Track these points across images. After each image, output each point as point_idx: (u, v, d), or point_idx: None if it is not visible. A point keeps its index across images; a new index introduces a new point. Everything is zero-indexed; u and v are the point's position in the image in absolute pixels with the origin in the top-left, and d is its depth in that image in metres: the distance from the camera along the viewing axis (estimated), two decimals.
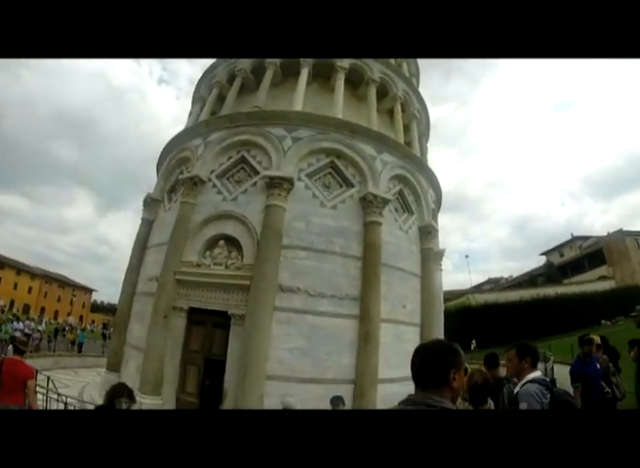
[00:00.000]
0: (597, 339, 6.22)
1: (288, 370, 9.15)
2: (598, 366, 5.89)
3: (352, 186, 10.90)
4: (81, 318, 61.00)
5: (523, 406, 3.28)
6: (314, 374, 9.17)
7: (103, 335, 32.57)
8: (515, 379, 3.72)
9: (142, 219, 13.16)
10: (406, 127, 13.83)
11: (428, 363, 1.79)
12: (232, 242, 10.39)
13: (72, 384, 13.06)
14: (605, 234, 60.46)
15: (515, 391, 3.48)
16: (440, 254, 14.46)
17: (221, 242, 10.44)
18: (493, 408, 4.00)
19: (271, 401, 8.42)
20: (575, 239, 67.24)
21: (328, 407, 6.84)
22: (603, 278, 51.34)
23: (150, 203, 13.03)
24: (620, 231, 58.15)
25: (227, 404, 8.94)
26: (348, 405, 8.38)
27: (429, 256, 12.65)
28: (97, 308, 75.99)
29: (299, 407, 6.88)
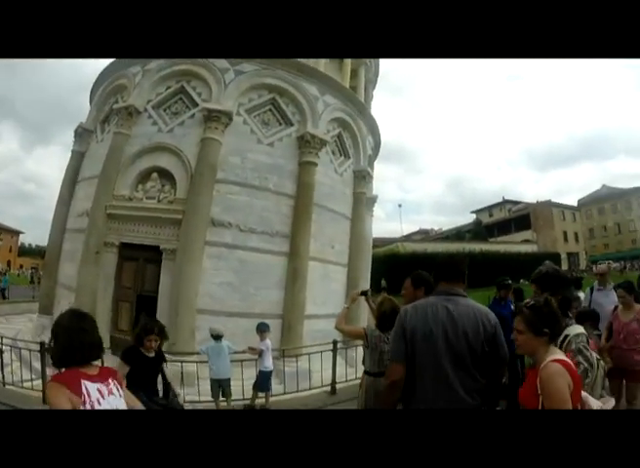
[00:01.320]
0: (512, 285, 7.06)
1: (218, 305, 9.40)
2: (513, 307, 6.56)
3: (291, 125, 10.96)
4: (9, 263, 57.50)
5: (393, 330, 3.15)
6: (243, 309, 9.50)
7: (32, 279, 31.26)
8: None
9: (73, 151, 12.62)
10: (354, 72, 13.93)
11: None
12: (166, 175, 10.25)
13: (4, 331, 12.42)
14: (534, 202, 65.54)
15: None
16: (372, 200, 15.09)
17: (155, 175, 10.30)
18: None
19: (202, 335, 8.53)
20: (505, 202, 72.13)
21: (256, 339, 7.28)
22: (526, 241, 56.24)
23: (82, 134, 12.47)
24: (549, 202, 63.63)
25: None
26: (276, 339, 8.96)
27: (361, 201, 13.11)
28: (25, 251, 72.15)
29: (227, 340, 7.21)
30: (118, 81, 11.73)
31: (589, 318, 4.96)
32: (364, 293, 5.02)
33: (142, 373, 4.45)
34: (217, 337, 7.05)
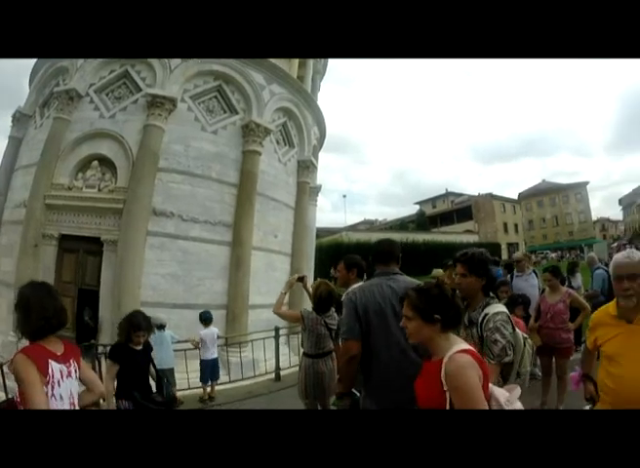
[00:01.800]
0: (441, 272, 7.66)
1: (161, 296, 9.39)
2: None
3: (236, 113, 11.10)
4: None
5: (344, 311, 3.58)
6: (187, 300, 9.54)
7: None
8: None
9: (10, 138, 12.05)
10: (302, 62, 14.20)
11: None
12: (107, 163, 10.10)
13: None
14: (476, 194, 68.40)
15: (342, 298, 3.76)
16: (316, 190, 15.53)
17: (95, 163, 10.13)
18: (337, 318, 4.51)
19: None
20: (448, 194, 75.11)
21: (201, 328, 7.49)
22: (468, 232, 58.46)
23: (20, 119, 11.94)
24: (490, 194, 66.59)
25: (104, 336, 8.81)
26: (221, 329, 8.96)
27: (305, 190, 13.49)
28: None
29: (171, 331, 7.36)
30: (60, 63, 11.18)
31: (521, 302, 5.68)
32: (300, 279, 5.26)
33: (134, 369, 4.39)
34: (159, 327, 7.10)
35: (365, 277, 4.24)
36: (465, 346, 2.05)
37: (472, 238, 52.62)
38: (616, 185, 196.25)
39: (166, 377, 6.94)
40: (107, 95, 10.52)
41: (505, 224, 66.88)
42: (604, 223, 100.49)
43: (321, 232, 44.01)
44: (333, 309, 4.60)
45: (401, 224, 65.80)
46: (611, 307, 2.66)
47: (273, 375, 8.41)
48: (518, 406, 2.13)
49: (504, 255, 55.00)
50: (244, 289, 10.35)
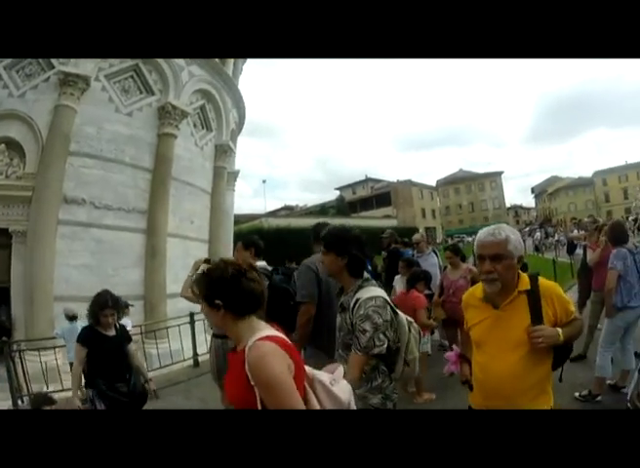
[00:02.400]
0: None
1: (75, 289, 8.84)
2: (369, 268, 8.06)
3: (153, 94, 10.95)
4: None
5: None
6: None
7: None
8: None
9: None
10: None
11: None
12: (15, 147, 9.50)
13: None
14: (395, 181, 71.13)
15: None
16: (234, 175, 15.69)
17: (2, 146, 9.47)
18: None
19: (61, 324, 7.90)
20: (368, 180, 77.62)
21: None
22: (387, 217, 60.66)
23: None
24: (409, 181, 69.64)
25: (18, 334, 8.53)
26: (140, 320, 8.98)
27: (222, 175, 13.57)
28: None
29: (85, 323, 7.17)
30: None
31: (423, 278, 6.13)
32: (207, 261, 5.32)
33: (103, 356, 4.15)
34: (71, 318, 7.08)
35: (262, 257, 4.78)
36: (270, 332, 1.85)
37: (391, 223, 54.34)
38: (529, 175, 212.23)
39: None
40: (17, 72, 9.83)
41: (423, 210, 70.64)
42: (517, 210, 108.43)
43: (241, 218, 43.96)
44: None
45: (321, 210, 67.01)
46: (478, 289, 2.51)
47: (192, 362, 8.46)
48: (343, 384, 2.02)
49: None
50: (160, 277, 10.33)
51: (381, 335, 2.66)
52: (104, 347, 4.18)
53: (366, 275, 2.97)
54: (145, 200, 10.46)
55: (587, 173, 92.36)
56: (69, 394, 4.48)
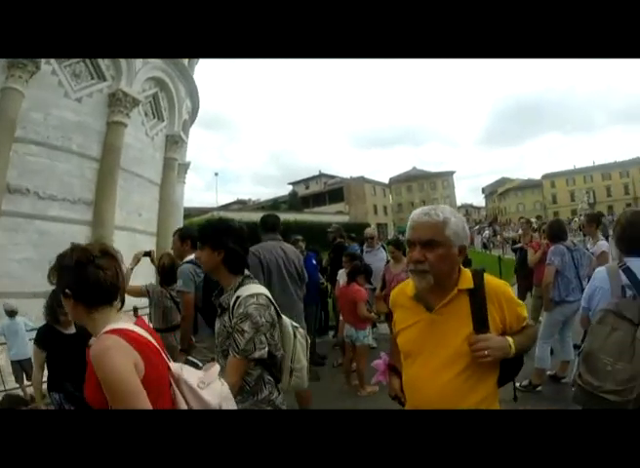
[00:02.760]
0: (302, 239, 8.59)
1: (18, 285, 8.45)
2: (314, 262, 8.29)
3: (104, 80, 10.61)
4: None
5: (179, 282, 4.63)
6: (48, 287, 8.20)
7: None
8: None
9: None
10: None
11: None
12: None
13: None
14: (348, 177, 73.21)
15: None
16: (185, 167, 15.53)
17: None
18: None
19: (1, 321, 7.69)
20: (321, 175, 79.87)
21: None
22: (340, 212, 61.90)
23: None
24: (362, 177, 71.75)
25: None
26: None
27: (172, 166, 13.40)
28: None
29: (25, 318, 7.14)
30: None
31: (363, 271, 6.37)
32: (147, 254, 5.43)
33: (65, 357, 3.84)
34: (11, 314, 6.93)
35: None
36: (122, 325, 1.72)
37: (343, 218, 55.39)
38: (480, 176, 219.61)
39: (25, 370, 6.66)
40: None
41: (375, 206, 72.57)
42: (467, 209, 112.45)
43: (193, 211, 43.63)
44: (181, 281, 4.59)
45: (273, 204, 67.52)
46: (409, 286, 2.09)
47: None
48: (216, 386, 1.96)
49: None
50: None
51: (263, 337, 2.46)
52: (66, 348, 3.88)
53: (247, 272, 2.77)
54: (92, 191, 10.14)
55: (537, 175, 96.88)
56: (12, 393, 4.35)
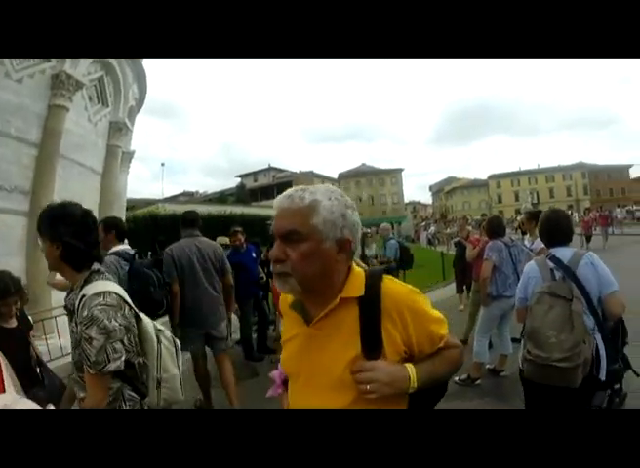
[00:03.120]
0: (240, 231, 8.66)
1: None
2: (254, 255, 8.51)
3: (47, 60, 9.95)
4: None
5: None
6: None
7: None
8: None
9: None
10: None
11: None
12: None
13: None
14: (297, 171, 75.75)
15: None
16: (129, 156, 15.05)
17: None
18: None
19: None
20: (270, 169, 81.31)
21: None
22: None
23: None
24: (311, 172, 75.07)
25: None
26: None
27: (116, 155, 12.98)
28: None
29: None
30: None
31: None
32: None
33: (6, 355, 3.27)
34: None
35: (125, 239, 5.32)
36: None
37: None
38: (428, 174, 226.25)
39: None
40: None
41: None
42: (415, 206, 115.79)
43: (138, 203, 42.86)
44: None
45: (220, 197, 67.79)
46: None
47: None
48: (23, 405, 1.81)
49: None
50: (44, 265, 9.21)
51: (118, 345, 2.12)
52: (7, 344, 3.43)
53: (96, 266, 2.42)
54: (29, 179, 9.62)
55: (483, 175, 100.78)
56: None
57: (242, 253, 8.27)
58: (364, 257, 10.48)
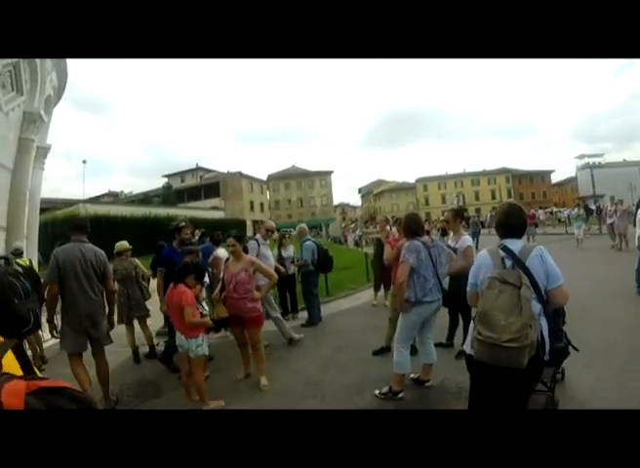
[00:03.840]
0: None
1: None
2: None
3: None
4: None
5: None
6: None
7: None
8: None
9: None
10: None
11: None
12: None
13: None
14: (226, 172, 74.70)
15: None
16: (45, 151, 13.77)
17: None
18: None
19: None
20: (198, 169, 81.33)
21: None
22: (215, 208, 62.59)
23: None
24: (239, 173, 73.67)
25: None
26: None
27: (29, 149, 11.82)
28: None
29: None
30: None
31: (193, 271, 5.67)
32: None
33: None
34: None
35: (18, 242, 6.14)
36: None
37: (219, 214, 55.88)
38: (357, 177, 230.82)
39: None
40: None
41: (252, 203, 75.10)
42: (344, 207, 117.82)
43: (59, 203, 41.17)
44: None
45: (145, 198, 66.15)
46: None
47: None
48: None
49: (249, 232, 59.87)
50: None
51: None
52: None
53: None
54: None
55: (411, 178, 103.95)
56: None
57: (176, 252, 7.49)
58: (280, 259, 10.37)
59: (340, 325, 9.92)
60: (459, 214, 6.94)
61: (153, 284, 8.27)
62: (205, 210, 57.13)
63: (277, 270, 8.36)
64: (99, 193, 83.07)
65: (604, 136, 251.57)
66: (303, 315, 10.55)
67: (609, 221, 19.78)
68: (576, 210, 26.50)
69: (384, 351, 7.03)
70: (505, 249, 3.51)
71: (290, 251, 11.00)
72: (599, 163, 73.59)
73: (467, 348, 3.59)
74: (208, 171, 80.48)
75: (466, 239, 6.53)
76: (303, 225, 11.31)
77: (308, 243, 10.39)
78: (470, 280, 3.74)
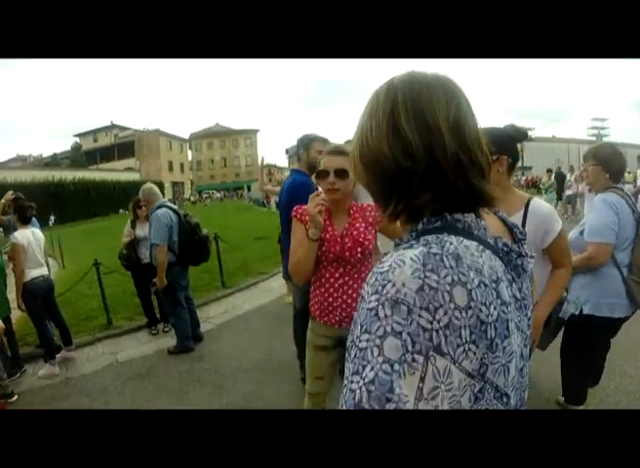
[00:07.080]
0: None
1: None
2: None
3: None
4: None
5: None
6: None
7: None
8: None
9: None
10: None
11: None
12: None
13: None
14: (142, 129, 70.11)
15: None
16: None
17: None
18: None
19: None
20: (113, 126, 74.41)
21: None
22: (129, 169, 59.64)
23: None
24: (157, 130, 68.99)
25: None
26: None
27: None
28: None
29: None
30: None
31: None
32: None
33: None
34: None
35: None
36: None
37: (133, 176, 53.79)
38: (285, 136, 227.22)
39: None
40: None
41: (171, 163, 71.15)
42: (270, 168, 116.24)
43: None
44: None
45: (53, 160, 62.28)
46: None
47: None
48: None
49: (169, 194, 57.97)
50: None
51: None
52: None
53: None
54: None
55: (341, 140, 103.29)
56: None
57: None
58: (133, 241, 6.66)
59: (237, 343, 6.25)
60: None
61: None
62: (118, 171, 55.06)
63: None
64: (8, 158, 77.53)
65: (534, 114, 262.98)
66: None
67: (568, 192, 18.34)
68: (544, 177, 22.97)
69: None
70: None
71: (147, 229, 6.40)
72: (529, 136, 76.24)
73: (592, 310, 3.35)
74: (124, 129, 74.25)
75: None
76: (150, 185, 6.38)
77: (162, 211, 5.79)
78: (604, 231, 3.24)
